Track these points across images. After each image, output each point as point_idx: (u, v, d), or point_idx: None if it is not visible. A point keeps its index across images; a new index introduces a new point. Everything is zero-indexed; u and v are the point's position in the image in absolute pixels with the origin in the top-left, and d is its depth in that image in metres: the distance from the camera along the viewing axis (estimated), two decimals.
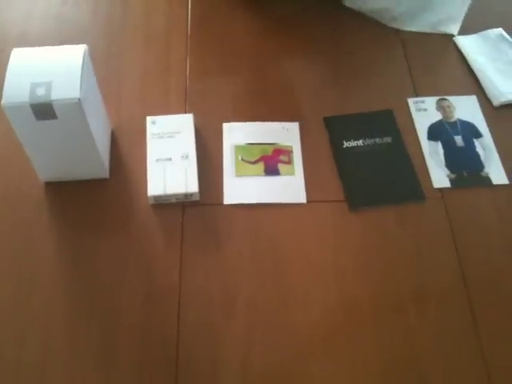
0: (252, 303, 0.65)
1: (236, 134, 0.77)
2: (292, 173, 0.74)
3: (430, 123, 0.78)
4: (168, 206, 0.71)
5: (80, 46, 0.65)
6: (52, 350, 0.61)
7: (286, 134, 0.77)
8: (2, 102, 0.60)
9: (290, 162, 0.75)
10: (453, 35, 0.88)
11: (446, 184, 0.73)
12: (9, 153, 0.76)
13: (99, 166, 0.71)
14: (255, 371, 0.61)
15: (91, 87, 0.67)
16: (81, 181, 0.72)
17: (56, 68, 0.63)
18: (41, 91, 0.60)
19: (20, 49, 0.66)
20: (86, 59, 0.64)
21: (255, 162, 0.75)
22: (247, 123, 0.78)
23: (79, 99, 0.60)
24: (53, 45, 0.87)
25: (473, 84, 0.83)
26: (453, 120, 0.79)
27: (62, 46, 0.66)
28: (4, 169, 0.75)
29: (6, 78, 0.62)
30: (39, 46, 0.85)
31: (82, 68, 0.62)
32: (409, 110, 0.80)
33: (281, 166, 0.74)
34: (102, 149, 0.70)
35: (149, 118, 0.76)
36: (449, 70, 0.85)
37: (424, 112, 0.79)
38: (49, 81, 0.61)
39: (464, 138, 0.77)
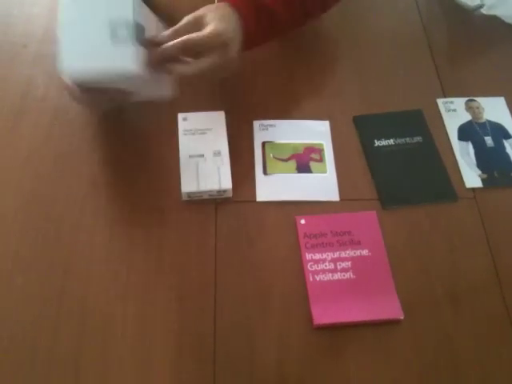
0: (287, 298, 0.64)
1: (267, 132, 0.77)
2: (324, 171, 0.74)
3: (459, 124, 0.79)
4: (201, 202, 0.71)
5: None
6: (85, 348, 0.60)
7: (316, 132, 0.77)
8: None
9: (321, 160, 0.75)
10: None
11: (478, 184, 0.73)
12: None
13: None
14: (292, 367, 0.60)
15: None
16: None
17: None
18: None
19: None
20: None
21: (287, 160, 0.74)
22: (277, 121, 0.78)
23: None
24: None
25: (500, 86, 0.84)
26: (482, 121, 0.79)
27: None
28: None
29: None
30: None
31: None
32: (438, 111, 0.80)
33: (312, 164, 0.74)
34: None
35: (180, 115, 0.75)
36: (476, 70, 0.86)
37: (453, 113, 0.80)
38: None
39: (494, 139, 0.77)
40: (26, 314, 0.62)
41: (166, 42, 0.64)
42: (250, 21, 0.69)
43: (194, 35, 0.64)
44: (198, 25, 0.66)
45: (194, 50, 0.65)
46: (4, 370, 0.59)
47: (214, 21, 0.65)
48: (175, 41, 0.64)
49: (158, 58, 0.64)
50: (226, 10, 0.68)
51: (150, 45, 0.64)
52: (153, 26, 0.69)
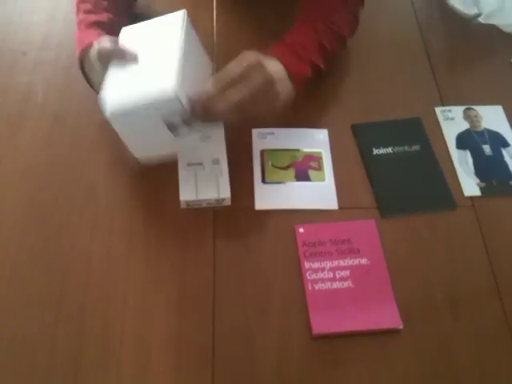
0: (287, 307, 0.64)
1: (265, 140, 0.77)
2: (322, 179, 0.74)
3: (457, 132, 0.79)
4: (199, 210, 0.71)
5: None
6: (84, 353, 0.60)
7: (314, 140, 0.78)
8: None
9: (320, 168, 0.75)
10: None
11: (477, 192, 0.73)
12: None
13: None
14: (292, 376, 0.60)
15: None
16: None
17: None
18: None
19: None
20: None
21: (286, 168, 0.75)
22: (276, 129, 0.78)
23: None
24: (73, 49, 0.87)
25: (498, 94, 0.84)
26: (480, 129, 0.79)
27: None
28: None
29: None
30: (62, 49, 0.86)
31: None
32: (436, 119, 0.80)
33: (311, 173, 0.74)
34: None
35: None
36: (474, 79, 0.86)
37: (452, 121, 0.80)
38: None
39: (492, 147, 0.78)
40: (26, 320, 0.62)
41: (212, 97, 0.62)
42: (292, 63, 0.70)
43: (228, 65, 0.63)
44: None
45: (236, 79, 0.62)
46: (3, 376, 0.59)
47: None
48: (216, 85, 0.61)
49: (216, 116, 0.63)
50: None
51: (201, 109, 0.62)
52: (202, 65, 0.72)
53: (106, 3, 0.78)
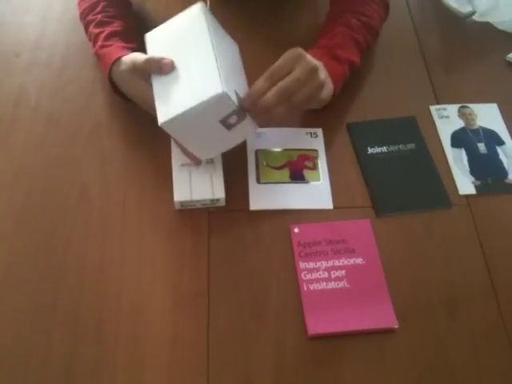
0: (282, 308, 0.64)
1: (260, 140, 0.77)
2: (317, 179, 0.74)
3: (452, 130, 0.79)
4: (193, 211, 0.70)
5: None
6: (77, 359, 0.60)
7: (309, 139, 0.77)
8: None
9: (314, 167, 0.75)
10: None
11: (472, 191, 0.73)
12: None
13: None
14: (288, 377, 0.60)
15: None
16: None
17: None
18: None
19: None
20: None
21: (280, 168, 0.74)
22: (271, 129, 0.77)
23: None
24: (68, 49, 0.87)
25: (493, 92, 0.84)
26: (475, 127, 0.79)
27: None
28: None
29: None
30: (55, 50, 0.86)
31: None
32: (431, 117, 0.80)
33: (306, 172, 0.74)
34: None
35: None
36: (469, 77, 0.86)
37: (446, 119, 0.80)
38: None
39: (487, 146, 0.77)
40: (19, 323, 0.62)
41: (262, 91, 0.63)
42: (332, 66, 0.72)
43: (286, 80, 0.64)
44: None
45: (282, 72, 0.65)
46: None
47: None
48: (263, 80, 0.64)
49: (264, 114, 0.64)
50: None
51: (249, 104, 0.63)
52: (232, 51, 0.72)
53: (113, 10, 0.79)
